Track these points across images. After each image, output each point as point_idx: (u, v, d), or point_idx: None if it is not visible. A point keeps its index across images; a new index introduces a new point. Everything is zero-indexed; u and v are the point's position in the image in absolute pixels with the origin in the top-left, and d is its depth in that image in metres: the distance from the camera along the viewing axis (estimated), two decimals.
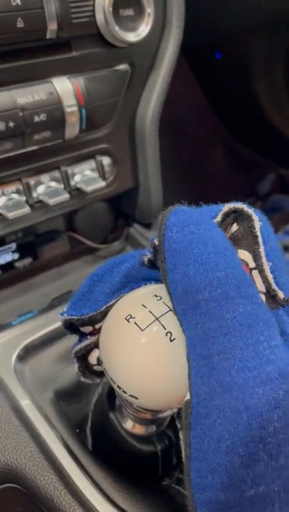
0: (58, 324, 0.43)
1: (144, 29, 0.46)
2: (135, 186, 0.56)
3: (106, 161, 0.51)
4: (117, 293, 0.27)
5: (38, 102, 0.43)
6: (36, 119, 0.43)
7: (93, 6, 0.43)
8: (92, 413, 0.37)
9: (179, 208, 0.23)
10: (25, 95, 0.42)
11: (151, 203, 0.56)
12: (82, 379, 0.31)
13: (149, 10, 0.46)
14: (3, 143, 0.42)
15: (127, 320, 0.24)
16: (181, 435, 0.22)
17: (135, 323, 0.24)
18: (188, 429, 0.20)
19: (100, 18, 0.44)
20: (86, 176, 0.50)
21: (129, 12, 0.45)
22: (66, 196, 0.47)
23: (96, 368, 0.31)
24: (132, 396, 0.24)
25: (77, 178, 0.49)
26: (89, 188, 0.49)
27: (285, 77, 1.23)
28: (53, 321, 0.43)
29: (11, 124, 0.41)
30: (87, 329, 0.29)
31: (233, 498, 0.19)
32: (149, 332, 0.23)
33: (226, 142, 1.32)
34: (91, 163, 0.50)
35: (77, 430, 0.36)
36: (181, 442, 0.21)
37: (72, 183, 0.49)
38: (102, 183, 0.50)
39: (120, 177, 0.53)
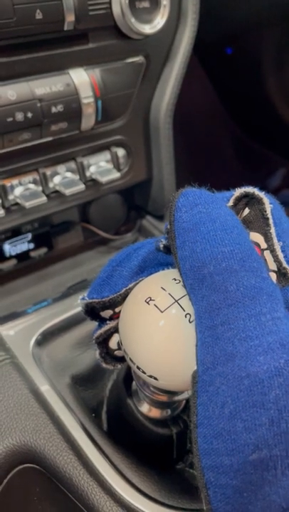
0: (74, 312, 0.44)
1: (159, 21, 0.46)
2: (149, 178, 0.56)
3: (121, 152, 0.52)
4: (136, 276, 0.28)
5: (55, 93, 0.43)
6: (54, 110, 0.44)
7: None
8: (107, 398, 0.38)
9: (189, 190, 0.24)
10: (43, 86, 0.43)
11: (164, 195, 0.57)
12: (104, 365, 0.31)
13: (165, 2, 0.46)
14: (21, 133, 0.43)
15: (147, 302, 0.25)
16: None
17: (155, 305, 0.24)
18: (195, 397, 0.21)
19: (116, 10, 0.44)
20: (101, 167, 0.50)
21: (145, 4, 0.46)
22: (82, 187, 0.48)
23: (117, 353, 0.31)
24: (151, 376, 0.25)
25: (92, 169, 0.50)
26: (104, 179, 0.49)
27: None
28: (69, 309, 0.44)
29: (29, 115, 0.42)
30: (107, 313, 0.29)
31: (236, 462, 0.19)
32: (168, 314, 0.24)
33: (237, 137, 1.32)
34: (106, 155, 0.51)
35: (93, 415, 0.37)
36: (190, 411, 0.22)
37: (88, 173, 0.50)
38: (116, 174, 0.50)
39: (134, 168, 0.54)
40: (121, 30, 0.46)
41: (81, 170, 0.49)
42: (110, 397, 0.37)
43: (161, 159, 0.54)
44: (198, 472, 0.21)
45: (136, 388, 0.34)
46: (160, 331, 0.24)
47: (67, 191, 0.47)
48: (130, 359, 0.26)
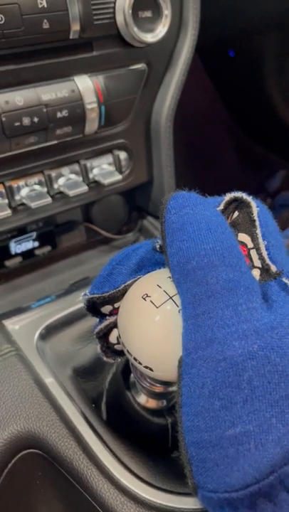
0: (76, 307, 0.46)
1: (161, 30, 0.48)
2: (149, 180, 0.58)
3: (123, 155, 0.54)
4: (134, 274, 0.30)
5: (60, 99, 0.46)
6: (59, 114, 0.46)
7: (114, 8, 0.46)
8: (106, 390, 0.40)
9: (179, 193, 0.26)
10: (49, 92, 0.45)
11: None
12: (105, 359, 0.33)
13: (167, 12, 0.48)
14: (28, 137, 0.45)
15: (144, 298, 0.27)
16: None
17: (151, 301, 0.26)
18: (180, 380, 0.23)
19: (120, 19, 0.46)
20: (104, 169, 0.52)
21: (148, 14, 0.48)
22: (85, 188, 0.50)
23: (117, 347, 0.33)
24: (146, 367, 0.27)
25: (95, 171, 0.52)
26: (106, 181, 0.51)
27: None
28: (71, 305, 0.46)
29: (36, 120, 0.44)
30: (107, 309, 0.31)
31: (214, 437, 0.21)
32: (163, 309, 0.26)
33: (238, 139, 1.34)
34: (108, 158, 0.53)
35: (93, 405, 0.39)
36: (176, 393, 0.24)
37: (91, 175, 0.52)
38: (118, 177, 0.52)
39: (136, 171, 0.56)
40: (124, 39, 0.48)
41: (84, 172, 0.51)
42: (109, 388, 0.39)
43: (162, 162, 0.56)
44: (182, 449, 0.23)
45: (134, 380, 0.36)
46: (155, 325, 0.26)
47: (71, 192, 0.49)
48: (128, 351, 0.28)
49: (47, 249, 0.55)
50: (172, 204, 0.25)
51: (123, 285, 0.29)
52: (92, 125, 0.49)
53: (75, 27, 0.44)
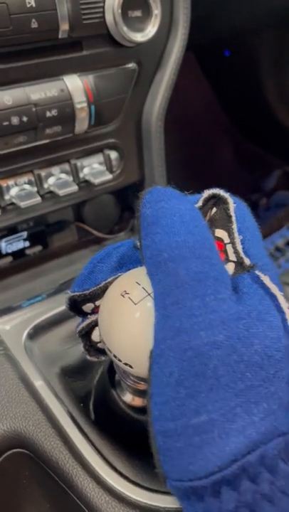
0: (65, 307, 0.46)
1: (151, 30, 0.48)
2: (141, 180, 0.58)
3: (113, 155, 0.54)
4: (115, 272, 0.30)
5: (50, 99, 0.46)
6: (48, 114, 0.46)
7: (103, 7, 0.46)
8: (94, 389, 0.40)
9: (155, 188, 0.26)
10: (38, 92, 0.45)
11: None
12: (88, 357, 0.34)
13: (156, 11, 0.48)
14: (17, 136, 0.45)
15: (123, 295, 0.27)
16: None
17: (129, 298, 0.27)
18: (150, 369, 0.23)
19: (109, 19, 0.46)
20: (94, 169, 0.52)
21: (137, 13, 0.48)
22: (75, 188, 0.50)
23: (100, 345, 0.33)
24: (126, 364, 0.27)
25: (85, 170, 0.52)
26: (97, 181, 0.51)
27: None
28: (61, 304, 0.46)
29: (25, 119, 0.44)
30: (89, 307, 0.31)
31: (180, 426, 0.21)
32: (141, 306, 0.26)
33: (234, 138, 1.34)
34: (99, 157, 0.53)
35: (82, 404, 0.39)
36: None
37: (81, 175, 0.52)
38: (109, 176, 0.52)
39: (127, 170, 0.56)
40: (114, 38, 0.48)
41: (75, 171, 0.51)
42: (97, 387, 0.39)
43: (153, 161, 0.56)
44: (151, 439, 0.23)
45: (119, 379, 0.36)
46: (133, 322, 0.26)
47: (61, 192, 0.49)
48: (108, 349, 0.28)
49: (38, 248, 0.55)
50: (148, 198, 0.26)
51: (104, 282, 0.30)
52: (82, 124, 0.49)
53: (64, 26, 0.44)
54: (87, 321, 0.32)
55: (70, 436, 0.35)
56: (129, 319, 0.26)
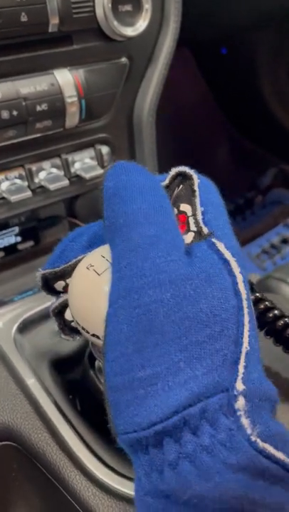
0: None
1: (141, 24, 0.48)
2: None
3: (104, 149, 0.54)
4: (86, 250, 0.31)
5: (40, 93, 0.45)
6: (38, 108, 0.46)
7: (93, 1, 0.46)
8: (80, 379, 0.40)
9: (118, 163, 0.28)
10: (28, 86, 0.45)
11: None
12: (63, 336, 0.35)
13: (147, 6, 0.48)
14: (7, 130, 0.45)
15: (88, 268, 0.28)
16: None
17: (94, 270, 0.28)
18: (105, 330, 0.25)
19: (99, 13, 0.46)
20: (85, 163, 0.52)
21: (128, 8, 0.48)
22: (66, 182, 0.50)
23: (73, 324, 0.34)
24: (94, 335, 0.28)
25: (77, 165, 0.52)
26: (88, 175, 0.51)
27: None
28: (51, 298, 0.46)
29: (15, 113, 0.44)
30: (60, 285, 0.33)
31: (127, 380, 0.22)
32: (104, 276, 0.27)
33: (230, 136, 1.34)
34: (90, 152, 0.53)
35: (70, 396, 0.39)
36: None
37: (72, 170, 0.52)
38: (100, 171, 0.52)
39: None
40: (104, 33, 0.48)
41: (66, 166, 0.51)
42: (81, 376, 0.39)
43: (144, 156, 0.56)
44: (105, 394, 0.24)
45: (99, 365, 0.36)
46: (97, 292, 0.27)
47: (52, 186, 0.49)
48: (76, 322, 0.29)
49: (29, 244, 0.55)
50: (110, 172, 0.27)
51: (74, 260, 0.31)
52: (72, 119, 0.48)
53: (54, 20, 0.44)
54: (60, 300, 0.33)
55: (57, 429, 0.35)
56: (94, 290, 0.27)
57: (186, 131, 1.28)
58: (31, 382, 0.38)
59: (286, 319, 0.33)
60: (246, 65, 1.27)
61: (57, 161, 0.51)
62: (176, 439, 0.21)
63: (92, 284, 0.27)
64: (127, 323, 0.23)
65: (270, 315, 0.33)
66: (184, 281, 0.23)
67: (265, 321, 0.33)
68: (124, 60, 0.51)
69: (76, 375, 0.41)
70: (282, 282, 0.67)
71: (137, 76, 0.54)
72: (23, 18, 0.42)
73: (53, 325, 0.45)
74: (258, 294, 0.33)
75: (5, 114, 0.44)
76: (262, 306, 0.33)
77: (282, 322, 0.33)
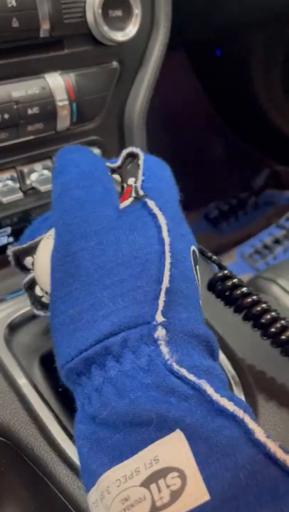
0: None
1: (131, 29, 0.49)
2: None
3: (96, 151, 0.55)
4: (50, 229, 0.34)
5: (31, 96, 0.46)
6: (29, 111, 0.46)
7: (84, 7, 0.47)
8: None
9: (66, 147, 0.34)
10: (20, 89, 0.46)
11: None
12: (36, 311, 0.37)
13: (137, 11, 0.49)
14: None
15: (47, 238, 0.32)
16: None
17: (52, 237, 0.31)
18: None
19: (90, 18, 0.47)
20: None
21: (118, 13, 0.49)
22: None
23: (44, 299, 0.37)
24: None
25: None
26: None
27: (283, 76, 1.26)
28: None
29: (6, 116, 0.45)
30: (29, 261, 0.36)
31: (61, 319, 0.26)
32: None
33: (224, 137, 1.35)
34: None
35: (60, 389, 0.40)
36: None
37: None
38: None
39: None
40: (95, 37, 0.49)
41: None
42: None
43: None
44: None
45: None
46: (50, 253, 0.30)
47: (43, 188, 0.50)
48: (40, 288, 0.32)
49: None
50: (58, 154, 0.33)
51: (39, 237, 0.35)
52: (63, 122, 0.49)
53: (45, 25, 0.45)
54: (30, 275, 0.37)
55: (45, 424, 0.36)
56: (49, 252, 0.30)
57: (180, 132, 1.30)
58: (21, 378, 0.39)
59: (254, 297, 0.35)
60: (240, 67, 1.28)
61: (48, 162, 0.52)
62: (101, 366, 0.24)
63: (47, 248, 0.30)
64: (60, 272, 0.27)
65: (238, 292, 0.35)
66: (107, 231, 0.27)
67: (234, 298, 0.35)
68: (114, 64, 0.52)
69: None
70: (271, 282, 0.68)
71: (128, 79, 0.55)
72: (15, 23, 0.43)
73: (42, 323, 0.46)
74: (226, 272, 0.35)
75: None
76: (229, 284, 0.35)
77: (250, 299, 0.35)
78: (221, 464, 0.19)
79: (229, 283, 0.36)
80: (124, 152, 0.34)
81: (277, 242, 1.06)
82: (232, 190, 1.18)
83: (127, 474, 0.21)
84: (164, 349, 0.23)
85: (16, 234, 0.56)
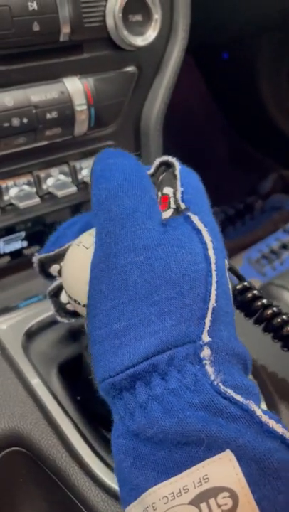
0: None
1: (151, 34, 0.49)
2: None
3: None
4: (78, 236, 0.33)
5: (50, 101, 0.46)
6: (48, 116, 0.46)
7: (104, 11, 0.46)
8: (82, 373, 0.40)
9: (106, 149, 0.32)
10: (39, 94, 0.45)
11: None
12: (59, 319, 0.37)
13: (157, 16, 0.49)
14: (17, 137, 0.45)
15: (77, 245, 0.31)
16: None
17: (83, 245, 0.31)
18: (88, 292, 0.28)
19: (110, 22, 0.47)
20: None
21: (138, 18, 0.48)
22: (74, 189, 0.51)
23: (68, 306, 0.37)
24: (85, 306, 0.29)
25: (84, 172, 0.52)
26: None
27: None
28: None
29: (25, 120, 0.45)
30: (55, 269, 0.36)
31: (105, 333, 0.26)
32: (92, 249, 0.29)
33: (231, 141, 1.35)
34: None
35: (78, 398, 0.39)
36: None
37: (80, 177, 0.52)
38: None
39: None
40: (114, 42, 0.48)
41: (73, 173, 0.52)
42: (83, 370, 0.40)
43: (150, 163, 0.57)
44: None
45: None
46: (85, 263, 0.29)
47: (60, 193, 0.49)
48: (69, 296, 0.31)
49: (35, 249, 0.56)
50: (99, 156, 0.31)
51: (67, 244, 0.34)
52: (81, 127, 0.49)
53: (65, 29, 0.45)
54: (56, 283, 0.36)
55: (66, 435, 0.36)
56: (82, 262, 0.30)
57: (187, 136, 1.29)
58: (40, 388, 0.38)
59: (274, 308, 0.35)
60: (247, 71, 1.28)
61: (65, 167, 0.51)
62: (146, 383, 0.24)
63: (80, 257, 0.30)
64: (105, 284, 0.26)
65: (258, 304, 0.35)
66: (156, 246, 0.26)
67: (254, 310, 0.35)
68: (132, 68, 0.52)
69: (83, 378, 0.41)
70: (283, 289, 0.68)
71: (145, 85, 0.54)
72: (35, 27, 0.43)
73: (60, 331, 0.45)
74: (246, 283, 0.35)
75: (15, 122, 0.44)
76: (250, 295, 0.34)
77: (270, 311, 0.35)
78: (273, 486, 0.19)
79: (249, 295, 0.36)
80: (158, 160, 0.33)
81: (284, 247, 1.06)
82: (239, 195, 1.18)
83: (175, 492, 0.20)
84: (210, 369, 0.23)
85: (30, 238, 0.55)
